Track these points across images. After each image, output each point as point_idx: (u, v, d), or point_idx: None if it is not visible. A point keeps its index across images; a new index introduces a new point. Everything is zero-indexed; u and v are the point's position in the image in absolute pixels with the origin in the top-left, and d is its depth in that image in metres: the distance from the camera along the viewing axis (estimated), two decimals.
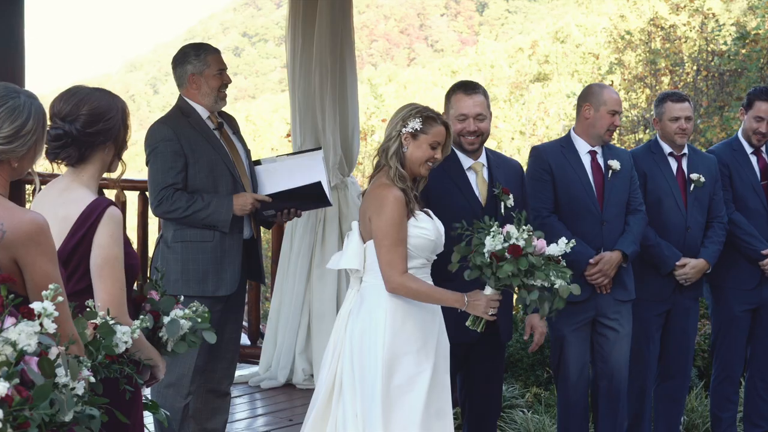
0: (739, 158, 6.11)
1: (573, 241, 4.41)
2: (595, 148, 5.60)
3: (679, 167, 5.90)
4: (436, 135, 4.40)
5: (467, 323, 4.41)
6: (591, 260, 5.43)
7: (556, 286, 4.27)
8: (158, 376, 3.50)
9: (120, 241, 3.35)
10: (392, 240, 4.28)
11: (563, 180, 5.51)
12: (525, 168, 5.42)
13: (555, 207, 5.52)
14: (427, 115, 4.41)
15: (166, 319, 3.44)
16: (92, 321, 3.03)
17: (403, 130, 4.38)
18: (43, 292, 2.55)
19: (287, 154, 5.66)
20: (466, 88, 5.08)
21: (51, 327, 2.46)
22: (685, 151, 5.94)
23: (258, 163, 5.49)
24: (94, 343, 2.96)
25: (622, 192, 5.59)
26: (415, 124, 4.37)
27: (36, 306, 2.47)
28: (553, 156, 5.56)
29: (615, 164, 5.57)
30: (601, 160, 5.59)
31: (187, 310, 3.49)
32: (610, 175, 5.56)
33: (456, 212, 4.77)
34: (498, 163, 5.15)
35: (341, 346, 4.38)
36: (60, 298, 2.56)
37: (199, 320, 3.49)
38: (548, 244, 4.37)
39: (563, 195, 5.51)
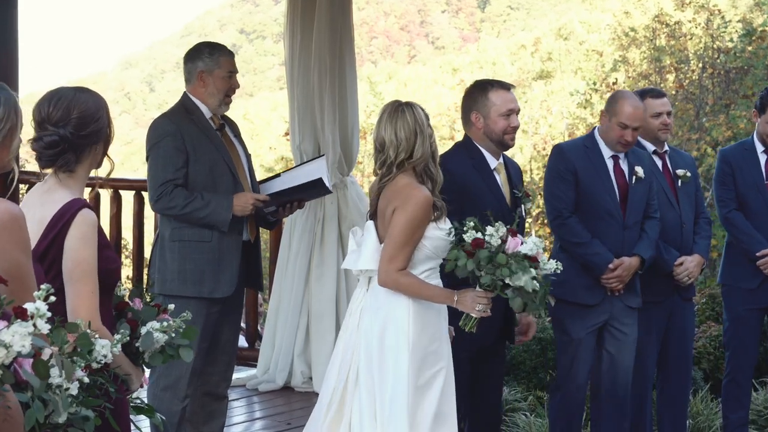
0: (747, 157, 6.11)
1: (541, 240, 4.37)
2: (618, 153, 5.59)
3: (665, 164, 5.91)
4: None
5: (460, 324, 4.41)
6: (611, 265, 5.43)
7: (519, 284, 4.24)
8: (132, 387, 3.47)
9: (92, 244, 3.31)
10: (404, 239, 4.30)
11: (587, 182, 5.49)
12: (525, 166, 5.44)
13: (576, 208, 5.52)
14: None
15: (143, 330, 3.41)
16: (74, 335, 2.99)
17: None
18: (35, 293, 2.54)
19: (290, 168, 5.69)
20: (502, 84, 5.11)
21: (44, 327, 2.46)
22: (666, 148, 5.95)
23: (264, 181, 5.50)
24: (72, 354, 2.93)
25: (643, 198, 5.59)
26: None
27: (29, 306, 2.46)
28: (578, 157, 5.53)
29: (640, 171, 5.56)
30: (624, 165, 5.58)
31: (165, 323, 3.43)
32: (634, 181, 5.56)
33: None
34: (510, 164, 5.22)
35: (353, 346, 4.38)
36: (52, 298, 2.56)
37: (174, 334, 3.42)
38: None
39: (585, 198, 5.50)
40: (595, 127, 5.71)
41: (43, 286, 2.55)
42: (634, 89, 20.75)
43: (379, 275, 4.33)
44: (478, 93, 5.06)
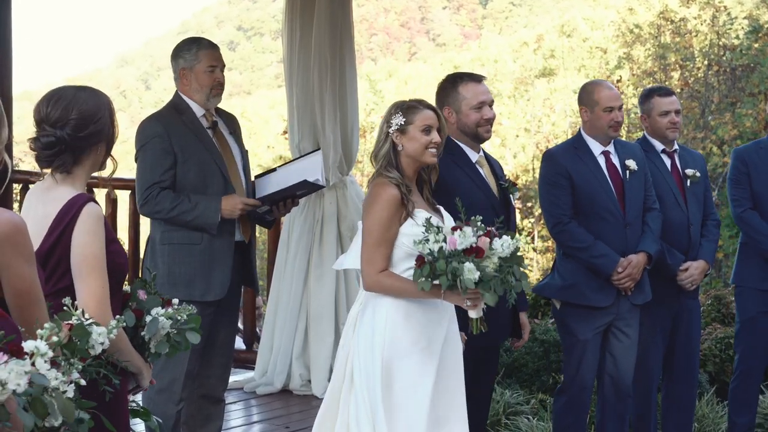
0: (763, 156, 6.11)
1: (467, 229, 4.24)
2: (608, 148, 5.59)
3: (673, 164, 5.91)
4: (423, 120, 4.45)
5: (470, 330, 4.41)
6: (618, 268, 5.42)
7: (468, 280, 4.16)
8: (142, 383, 3.47)
9: (100, 238, 3.32)
10: (376, 239, 4.32)
11: (582, 183, 5.49)
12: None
13: (574, 212, 5.51)
14: (407, 107, 4.49)
15: (148, 318, 3.42)
16: (67, 322, 3.00)
17: (390, 130, 4.45)
18: (39, 331, 2.51)
19: (286, 163, 5.67)
20: (472, 76, 5.10)
21: (44, 367, 2.42)
22: (675, 146, 5.95)
23: (259, 176, 5.49)
24: (70, 346, 2.93)
25: (640, 192, 5.59)
26: (398, 119, 4.45)
27: (28, 345, 2.42)
28: (569, 159, 5.54)
29: (632, 164, 5.56)
30: (615, 160, 5.58)
31: (170, 309, 3.45)
32: (628, 176, 5.56)
33: (477, 206, 4.81)
34: (490, 157, 5.22)
35: (348, 349, 4.41)
36: (54, 338, 2.53)
37: (179, 318, 3.43)
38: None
39: (583, 199, 5.49)
40: (579, 128, 5.72)
41: (47, 325, 2.52)
42: (638, 87, 20.68)
43: (363, 281, 4.36)
44: (448, 87, 5.05)
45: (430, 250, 4.18)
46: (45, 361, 2.44)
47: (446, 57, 41.61)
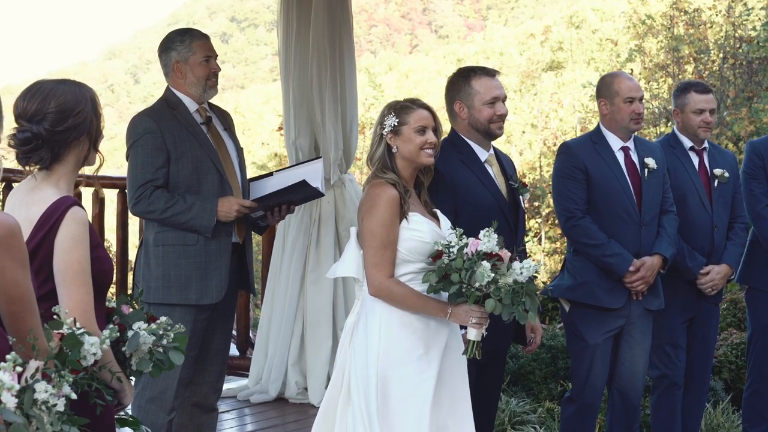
0: None
1: (492, 231, 4.28)
2: (627, 144, 5.61)
3: (701, 162, 5.91)
4: (417, 120, 4.50)
5: (462, 353, 4.43)
6: (631, 267, 5.43)
7: (478, 282, 4.19)
8: (123, 400, 3.47)
9: (84, 244, 3.32)
10: (381, 241, 4.34)
11: (599, 179, 5.50)
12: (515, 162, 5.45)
13: (588, 208, 5.52)
14: (399, 107, 4.53)
15: (130, 333, 3.41)
16: (58, 331, 2.99)
17: (383, 132, 4.47)
18: (2, 364, 2.46)
19: (284, 168, 5.69)
20: (485, 70, 5.12)
21: (10, 401, 2.37)
22: (705, 145, 5.95)
23: (255, 179, 5.50)
24: (61, 356, 2.92)
25: (658, 192, 5.60)
26: (391, 120, 4.49)
27: None
28: (586, 153, 5.55)
29: (651, 162, 5.58)
30: (635, 157, 5.59)
31: (154, 324, 3.44)
32: (647, 174, 5.57)
33: (484, 208, 4.85)
34: (502, 156, 5.22)
35: (345, 360, 4.42)
36: (19, 368, 2.45)
37: (161, 334, 3.42)
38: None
39: (598, 195, 5.50)
40: (598, 122, 5.73)
41: (9, 357, 2.46)
42: (650, 81, 20.61)
43: (370, 286, 4.37)
44: (460, 81, 5.08)
45: (450, 249, 4.21)
46: (12, 395, 2.37)
47: (449, 49, 41.58)
